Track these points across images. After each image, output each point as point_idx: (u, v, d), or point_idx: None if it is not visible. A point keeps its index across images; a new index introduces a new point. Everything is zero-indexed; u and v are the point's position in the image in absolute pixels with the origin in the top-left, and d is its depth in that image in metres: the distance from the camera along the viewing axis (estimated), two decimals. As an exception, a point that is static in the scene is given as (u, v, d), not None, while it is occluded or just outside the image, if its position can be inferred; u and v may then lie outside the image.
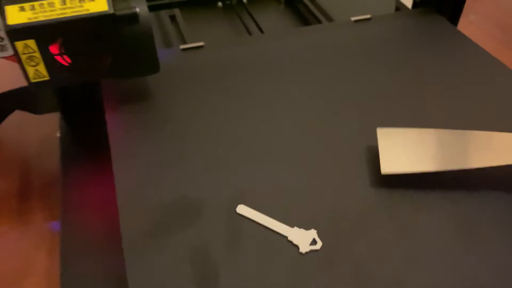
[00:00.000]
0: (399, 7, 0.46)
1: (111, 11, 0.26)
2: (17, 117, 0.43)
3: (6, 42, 0.28)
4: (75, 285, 0.28)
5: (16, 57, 0.26)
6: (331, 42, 0.38)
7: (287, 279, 0.22)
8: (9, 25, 0.25)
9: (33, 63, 0.27)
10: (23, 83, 0.50)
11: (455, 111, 0.31)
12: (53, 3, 0.26)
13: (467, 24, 0.63)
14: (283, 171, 0.27)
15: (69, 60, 0.27)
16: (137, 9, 0.27)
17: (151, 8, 0.31)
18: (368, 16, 0.40)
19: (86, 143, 0.36)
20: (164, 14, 0.47)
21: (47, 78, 0.27)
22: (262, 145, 0.29)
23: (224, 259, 0.22)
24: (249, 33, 0.45)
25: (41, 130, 0.44)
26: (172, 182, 0.26)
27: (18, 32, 0.25)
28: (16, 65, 0.54)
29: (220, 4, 0.50)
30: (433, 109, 0.31)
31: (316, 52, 0.37)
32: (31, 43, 0.26)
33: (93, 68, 0.28)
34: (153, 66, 0.30)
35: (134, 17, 0.27)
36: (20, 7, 0.25)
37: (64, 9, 0.26)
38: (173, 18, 0.47)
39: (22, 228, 0.37)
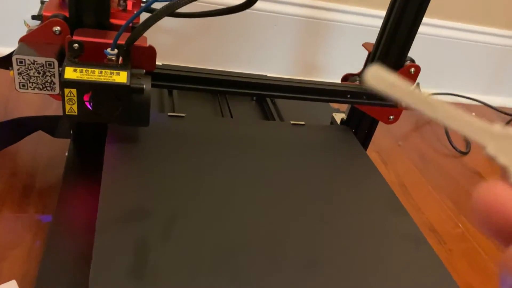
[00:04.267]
0: (333, 122, 0.63)
1: (128, 84, 0.42)
2: (37, 136, 0.57)
3: (56, 86, 0.44)
4: (53, 260, 0.41)
5: (61, 96, 0.42)
6: (271, 136, 0.54)
7: (213, 266, 0.35)
8: (64, 78, 0.41)
9: (70, 103, 0.42)
10: (48, 112, 0.65)
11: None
12: (94, 71, 0.42)
13: (396, 146, 0.80)
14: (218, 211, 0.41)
15: (93, 106, 0.43)
16: (144, 86, 0.43)
17: (154, 86, 0.47)
18: (303, 122, 0.57)
19: (85, 164, 0.50)
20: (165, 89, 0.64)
21: (76, 114, 0.43)
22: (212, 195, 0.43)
23: (157, 246, 0.36)
24: (222, 115, 0.61)
25: (52, 150, 0.58)
26: (139, 197, 0.40)
27: (68, 83, 0.41)
28: (41, 100, 0.69)
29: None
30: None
31: (258, 140, 0.52)
32: (74, 91, 0.41)
33: (106, 114, 0.44)
34: (145, 121, 0.45)
35: (141, 90, 0.43)
36: (74, 69, 0.41)
37: (100, 76, 0.42)
38: (170, 92, 0.63)
39: (18, 215, 0.50)
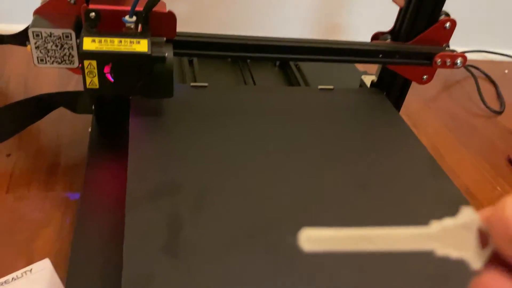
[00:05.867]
0: (362, 84, 0.60)
1: (149, 53, 0.40)
2: (58, 114, 0.56)
3: (75, 58, 0.42)
4: (84, 237, 0.40)
5: (81, 69, 0.40)
6: (298, 102, 0.51)
7: (247, 239, 0.34)
8: (83, 49, 0.39)
9: (91, 75, 0.40)
10: (68, 88, 0.64)
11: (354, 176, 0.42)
12: (113, 40, 0.39)
13: (427, 108, 0.77)
14: (249, 183, 0.39)
15: (114, 78, 0.41)
16: (166, 54, 0.41)
17: (176, 54, 0.45)
18: (331, 87, 0.54)
19: (109, 139, 0.49)
20: (185, 58, 0.61)
21: (97, 87, 0.41)
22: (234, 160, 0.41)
23: (189, 221, 0.35)
24: (245, 83, 0.59)
25: (75, 126, 0.57)
26: (168, 171, 0.39)
27: (87, 54, 0.39)
28: (61, 76, 0.68)
29: (229, 59, 0.65)
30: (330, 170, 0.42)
31: (285, 107, 0.50)
32: (94, 62, 0.39)
33: (129, 86, 0.42)
34: (169, 92, 0.43)
35: (163, 59, 0.41)
36: (92, 39, 0.39)
37: (119, 45, 0.39)
38: (191, 62, 0.61)
39: (46, 194, 0.49)
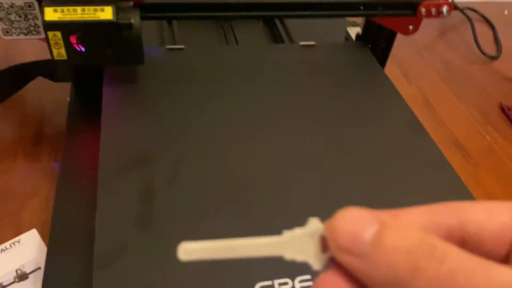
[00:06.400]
0: (348, 37, 0.58)
1: (114, 20, 0.38)
2: (39, 83, 0.55)
3: (42, 29, 0.41)
4: (65, 206, 0.40)
5: (46, 41, 0.39)
6: (278, 61, 0.50)
7: (221, 209, 0.34)
8: (45, 20, 0.38)
9: (57, 47, 0.39)
10: (47, 56, 0.63)
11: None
12: (76, 9, 0.38)
13: (419, 57, 0.75)
14: (226, 148, 0.39)
15: (82, 48, 0.40)
16: (132, 20, 0.39)
17: (145, 18, 0.43)
18: (313, 43, 0.52)
19: (88, 108, 0.48)
20: (164, 18, 0.59)
21: (65, 58, 0.40)
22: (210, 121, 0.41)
23: (162, 192, 0.35)
24: (227, 43, 0.57)
25: (56, 95, 0.56)
26: (142, 141, 0.39)
27: (50, 25, 0.38)
28: (41, 44, 0.66)
29: (211, 15, 0.63)
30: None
31: (264, 67, 0.49)
32: (58, 33, 0.38)
33: (97, 55, 0.41)
34: (139, 59, 0.42)
35: (129, 25, 0.39)
36: (54, 9, 0.38)
37: (83, 14, 0.38)
38: (170, 22, 0.59)
39: (32, 164, 0.49)
